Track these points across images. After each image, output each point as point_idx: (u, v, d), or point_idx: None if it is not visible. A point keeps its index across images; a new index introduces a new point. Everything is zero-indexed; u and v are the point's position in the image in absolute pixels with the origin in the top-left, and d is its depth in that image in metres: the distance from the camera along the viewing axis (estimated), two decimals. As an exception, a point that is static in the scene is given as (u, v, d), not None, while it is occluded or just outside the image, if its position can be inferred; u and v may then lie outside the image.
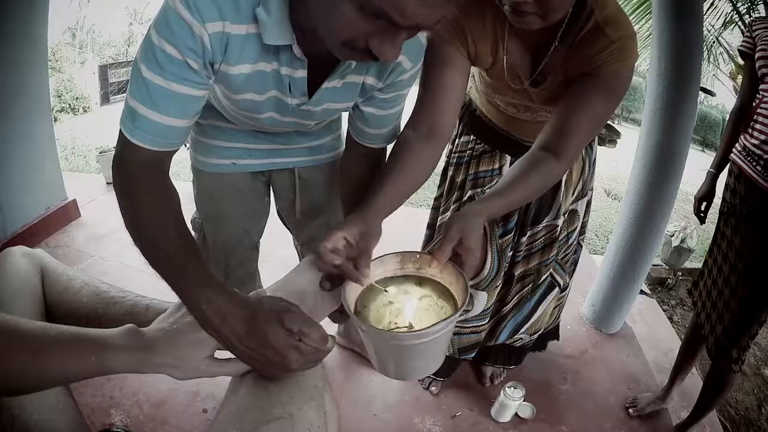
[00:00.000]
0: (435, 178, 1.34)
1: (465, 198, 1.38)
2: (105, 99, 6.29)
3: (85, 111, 6.04)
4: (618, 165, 5.62)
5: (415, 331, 0.68)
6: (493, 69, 1.08)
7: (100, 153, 3.19)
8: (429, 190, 4.15)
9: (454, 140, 1.42)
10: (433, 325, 0.64)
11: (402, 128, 0.98)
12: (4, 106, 2.06)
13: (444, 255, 0.75)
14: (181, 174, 3.84)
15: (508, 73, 1.05)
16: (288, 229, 1.45)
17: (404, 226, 2.68)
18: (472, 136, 1.36)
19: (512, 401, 1.53)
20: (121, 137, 0.74)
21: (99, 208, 2.77)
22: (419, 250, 1.55)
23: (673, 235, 3.02)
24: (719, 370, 1.50)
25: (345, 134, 1.06)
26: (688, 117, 1.75)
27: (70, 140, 4.56)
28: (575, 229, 1.44)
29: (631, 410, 1.72)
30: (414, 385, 1.71)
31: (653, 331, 2.33)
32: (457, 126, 1.41)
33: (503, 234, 1.38)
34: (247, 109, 0.89)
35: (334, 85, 0.84)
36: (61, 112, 5.88)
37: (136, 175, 0.74)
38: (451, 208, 1.43)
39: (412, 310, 0.75)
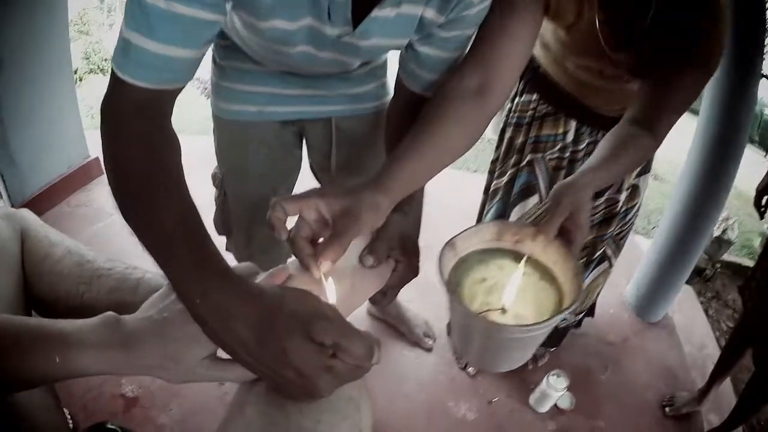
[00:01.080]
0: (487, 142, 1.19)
1: (523, 163, 1.25)
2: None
3: (114, 72, 5.98)
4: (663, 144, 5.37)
5: (527, 325, 0.57)
6: (574, 28, 0.93)
7: None
8: (470, 152, 3.90)
9: (514, 98, 1.27)
10: (549, 318, 0.56)
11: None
12: (24, 67, 1.97)
13: (553, 230, 0.64)
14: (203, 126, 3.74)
15: (600, 34, 0.89)
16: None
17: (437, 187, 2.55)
18: (534, 95, 1.21)
19: (555, 392, 1.40)
20: (112, 76, 0.58)
21: None
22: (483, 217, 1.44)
23: (715, 225, 2.84)
24: (763, 380, 1.35)
25: (392, 82, 0.88)
26: (749, 100, 1.60)
27: (95, 100, 4.50)
28: (635, 206, 1.31)
29: (667, 409, 1.60)
30: (449, 365, 1.58)
31: (690, 323, 2.18)
32: (517, 83, 1.25)
33: None
34: (276, 40, 0.71)
35: (386, 15, 0.67)
36: (89, 73, 5.82)
37: (126, 121, 0.57)
38: (508, 172, 1.30)
39: (507, 290, 0.63)
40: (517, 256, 0.67)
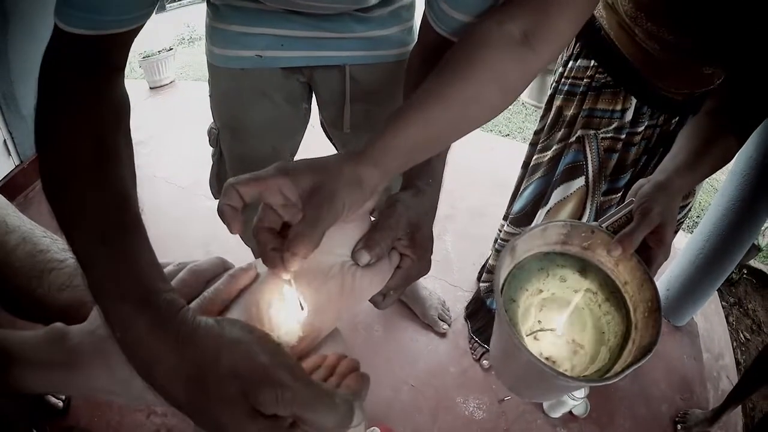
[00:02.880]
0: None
1: (572, 139, 1.07)
2: (160, 7, 5.99)
3: (139, 21, 5.86)
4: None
5: (582, 379, 0.48)
6: None
7: (143, 58, 2.96)
8: (502, 115, 3.39)
9: (567, 62, 1.07)
10: (617, 373, 0.47)
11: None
12: (32, 23, 1.90)
13: (635, 243, 0.53)
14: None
15: None
16: (334, 146, 1.11)
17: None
18: (592, 62, 1.01)
19: (572, 400, 1.26)
20: (53, 31, 0.48)
21: (136, 115, 2.55)
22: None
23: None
24: None
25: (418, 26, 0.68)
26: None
27: None
28: (687, 205, 1.13)
29: (679, 426, 1.48)
30: (463, 355, 1.44)
31: (710, 329, 2.04)
32: (572, 44, 1.06)
33: (609, 191, 1.08)
34: None
35: None
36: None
37: (63, 83, 0.46)
38: (553, 147, 1.12)
39: (563, 309, 0.54)
40: (582, 266, 0.55)
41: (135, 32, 0.50)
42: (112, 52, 0.49)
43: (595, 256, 0.55)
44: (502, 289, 0.52)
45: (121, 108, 0.50)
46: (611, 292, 0.54)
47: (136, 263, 0.38)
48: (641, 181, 0.61)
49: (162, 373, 0.34)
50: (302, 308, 0.41)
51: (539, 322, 0.54)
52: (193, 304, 0.39)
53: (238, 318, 0.39)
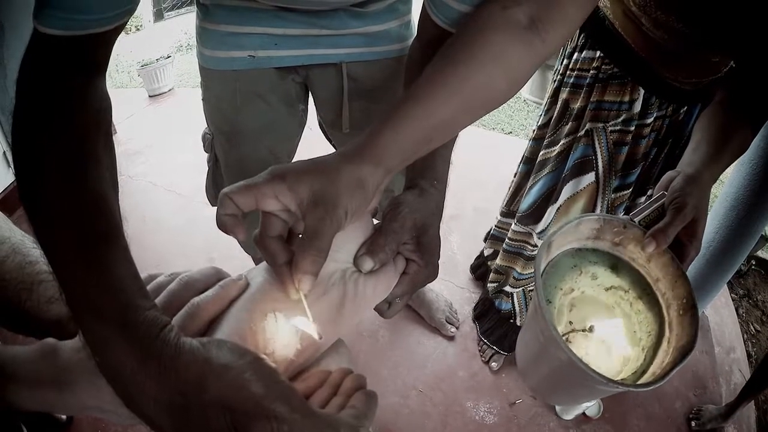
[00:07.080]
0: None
1: (581, 133, 1.03)
2: (159, 16, 5.95)
3: (138, 29, 5.82)
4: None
5: (637, 384, 0.45)
6: None
7: (142, 66, 2.93)
8: (504, 113, 3.12)
9: (572, 54, 1.04)
10: (658, 375, 0.45)
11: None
12: (27, 28, 1.93)
13: (669, 238, 0.52)
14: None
15: None
16: (334, 147, 1.08)
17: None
18: (598, 53, 0.98)
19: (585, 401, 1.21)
20: (31, 35, 0.46)
21: (135, 124, 2.61)
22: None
23: None
24: None
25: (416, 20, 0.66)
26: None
27: (113, 57, 4.33)
28: None
29: (693, 423, 1.45)
30: (471, 358, 1.41)
31: (721, 322, 2.00)
32: (576, 36, 1.03)
33: (620, 188, 1.06)
34: None
35: None
36: (113, 32, 5.75)
37: (42, 82, 0.44)
38: (561, 141, 1.08)
39: (594, 308, 0.53)
40: (614, 263, 0.55)
41: (117, 31, 0.47)
42: (94, 52, 0.47)
43: (626, 252, 0.54)
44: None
45: (102, 110, 0.47)
46: (643, 289, 0.53)
47: (113, 276, 0.35)
48: (670, 173, 0.59)
49: (145, 401, 0.31)
50: (318, 336, 0.37)
51: (570, 323, 0.52)
52: (179, 314, 0.36)
53: (229, 330, 0.36)
